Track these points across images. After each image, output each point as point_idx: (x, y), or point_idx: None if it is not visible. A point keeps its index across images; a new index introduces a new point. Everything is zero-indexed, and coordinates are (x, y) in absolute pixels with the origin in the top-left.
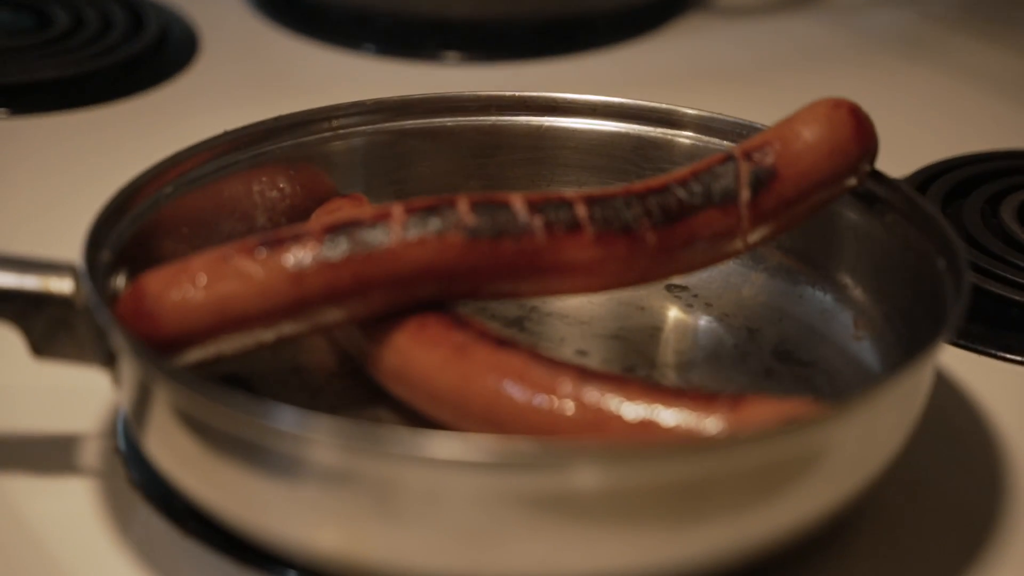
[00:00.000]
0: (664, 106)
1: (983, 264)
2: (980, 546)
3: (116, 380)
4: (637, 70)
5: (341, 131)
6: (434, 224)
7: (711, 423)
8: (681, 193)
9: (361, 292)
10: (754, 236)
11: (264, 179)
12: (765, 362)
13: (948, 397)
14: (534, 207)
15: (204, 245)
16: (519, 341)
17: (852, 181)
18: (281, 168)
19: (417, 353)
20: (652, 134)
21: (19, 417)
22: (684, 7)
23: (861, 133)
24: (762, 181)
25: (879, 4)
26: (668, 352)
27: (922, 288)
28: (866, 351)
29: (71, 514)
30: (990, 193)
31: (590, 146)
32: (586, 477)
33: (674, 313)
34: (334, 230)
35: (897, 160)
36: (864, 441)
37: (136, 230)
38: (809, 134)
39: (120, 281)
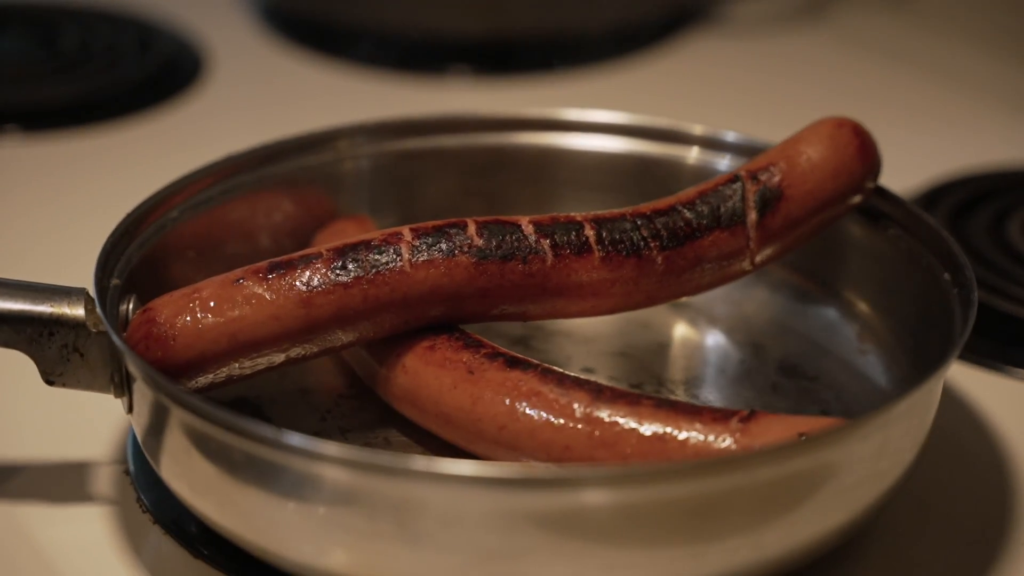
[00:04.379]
0: (669, 123)
1: (990, 280)
2: (989, 559)
3: (129, 406)
4: (644, 85)
5: (345, 152)
6: (443, 246)
7: (724, 440)
8: (688, 215)
9: (371, 313)
10: (761, 257)
11: (268, 201)
12: (771, 377)
13: (955, 412)
14: (542, 229)
15: (211, 269)
16: (529, 360)
17: (857, 199)
18: (284, 190)
19: (427, 374)
20: (657, 152)
21: (31, 444)
22: (689, 23)
23: (864, 151)
24: (768, 202)
25: (883, 20)
26: (675, 369)
27: (927, 301)
28: (871, 365)
29: (84, 539)
30: (997, 209)
31: (595, 165)
32: (601, 497)
33: (679, 330)
34: (343, 252)
35: (903, 174)
36: (876, 457)
37: (144, 255)
38: (814, 153)
39: (130, 306)
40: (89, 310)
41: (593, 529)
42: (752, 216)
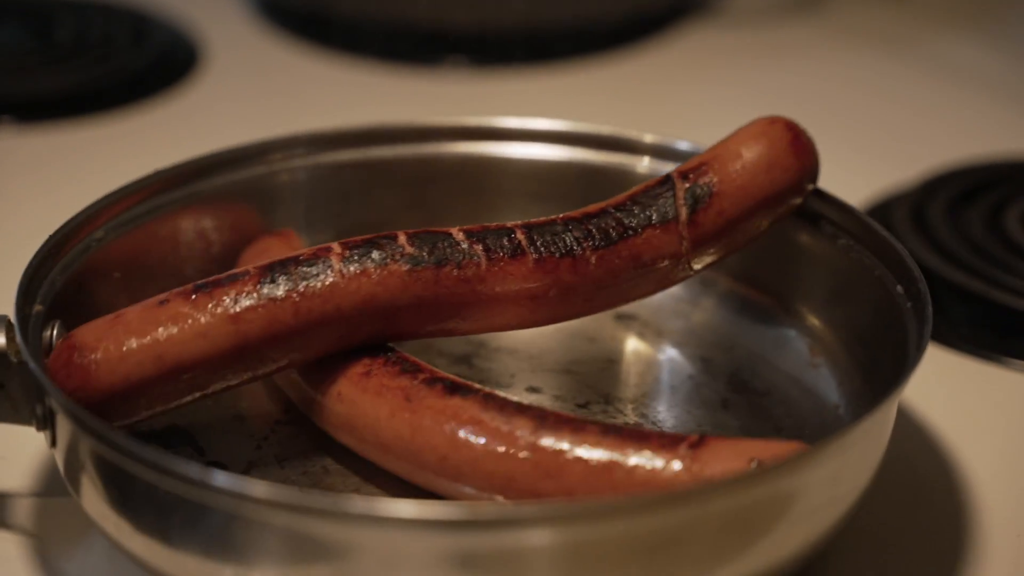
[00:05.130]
0: (615, 131)
1: (987, 271)
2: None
3: (52, 440)
4: (640, 76)
5: (279, 165)
6: (375, 255)
7: (673, 468)
8: (619, 215)
9: (303, 328)
10: (698, 258)
11: (196, 219)
12: (721, 392)
13: (950, 405)
14: (473, 235)
15: (139, 291)
16: (471, 385)
17: (795, 200)
18: (214, 207)
19: (363, 403)
20: (604, 161)
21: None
22: (686, 15)
23: (799, 148)
24: (700, 199)
25: (879, 11)
26: (624, 386)
27: (881, 315)
28: (823, 379)
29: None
30: (994, 200)
31: (535, 174)
32: (547, 537)
33: (627, 344)
34: (271, 268)
35: (900, 165)
36: (832, 483)
37: (68, 278)
38: (745, 151)
39: (54, 332)
40: (10, 338)
41: (541, 569)
42: (684, 213)
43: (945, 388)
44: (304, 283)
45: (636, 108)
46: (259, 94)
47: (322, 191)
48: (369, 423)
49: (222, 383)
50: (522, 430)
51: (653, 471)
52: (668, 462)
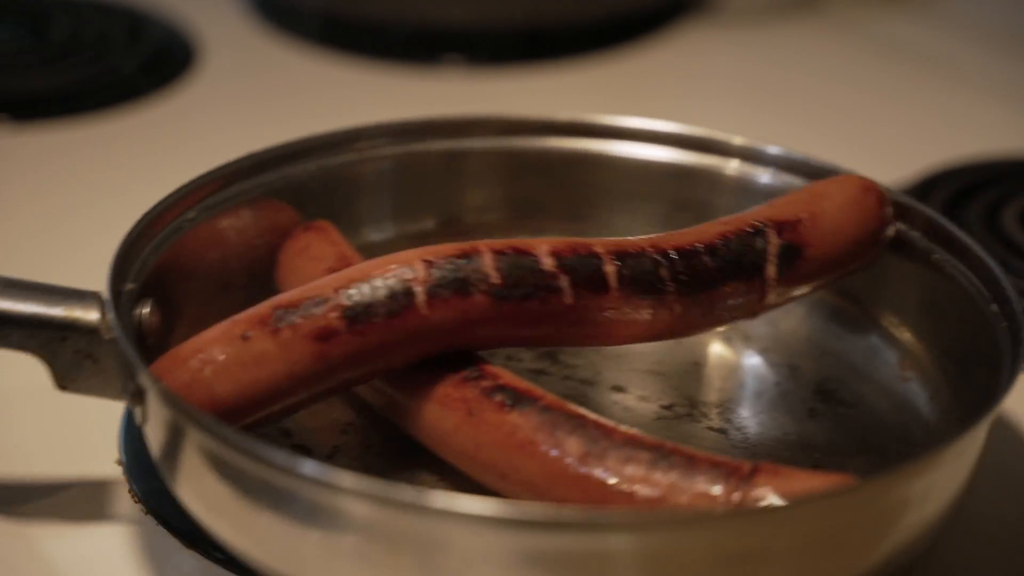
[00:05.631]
0: (708, 133)
1: None
2: None
3: (142, 417)
4: (637, 75)
5: (366, 153)
6: (459, 285)
7: (723, 499)
8: (709, 261)
9: (386, 354)
10: (769, 305)
11: (277, 206)
12: (807, 401)
13: None
14: (562, 263)
15: (227, 273)
16: (531, 393)
17: (870, 260)
18: (295, 194)
19: (431, 413)
20: (694, 162)
21: (24, 456)
22: (682, 14)
23: (883, 220)
24: (789, 259)
25: (877, 10)
26: (709, 390)
27: (973, 332)
28: (913, 393)
29: (75, 530)
30: (991, 198)
31: (621, 171)
32: (624, 543)
33: (714, 348)
34: (353, 298)
35: (897, 164)
36: (918, 503)
37: (159, 258)
38: (839, 215)
39: (145, 311)
40: (103, 314)
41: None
42: (771, 270)
43: None
44: (388, 314)
45: (633, 106)
46: (255, 93)
47: (411, 180)
48: (438, 434)
49: (307, 401)
50: (572, 456)
51: (708, 497)
52: (717, 496)
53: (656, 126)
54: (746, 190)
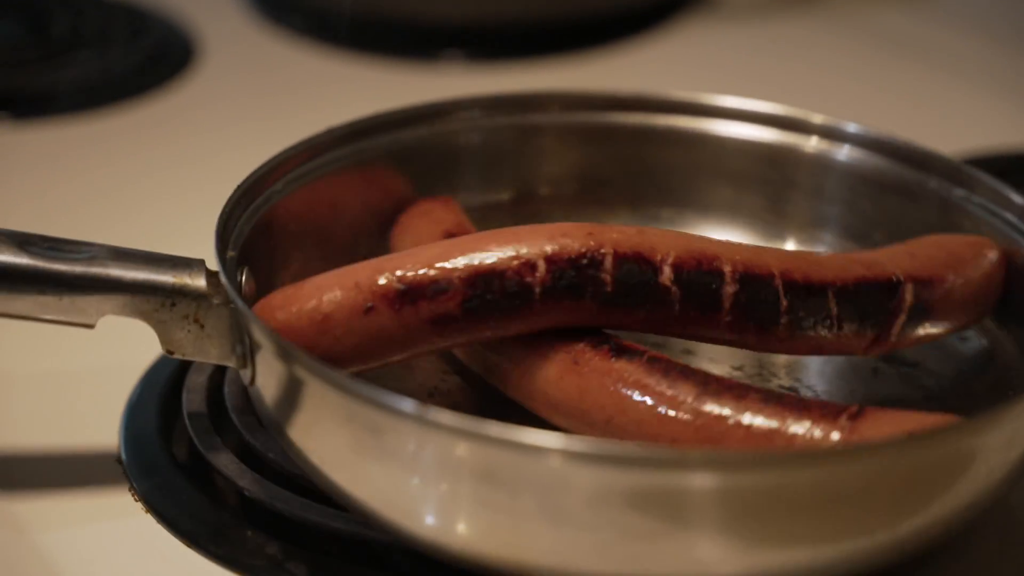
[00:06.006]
0: (789, 111)
1: None
2: None
3: (251, 378)
4: (637, 70)
5: (457, 125)
6: (576, 287)
7: (833, 436)
8: (834, 305)
9: (493, 334)
10: (877, 352)
11: (366, 176)
12: (871, 362)
13: None
14: (682, 279)
15: (313, 244)
16: (635, 347)
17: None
18: (380, 166)
19: (532, 365)
20: (771, 139)
21: (21, 433)
22: (683, 8)
23: (1001, 282)
24: (916, 317)
25: (878, 4)
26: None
27: None
28: (974, 352)
29: (75, 527)
30: None
31: (705, 148)
32: (746, 481)
33: None
34: (474, 284)
35: None
36: (994, 454)
37: (252, 227)
38: (970, 284)
39: (243, 278)
40: (211, 281)
41: (734, 512)
42: (897, 327)
43: None
44: (505, 306)
45: None
46: (255, 89)
47: (503, 152)
48: (539, 385)
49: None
50: (686, 395)
51: (812, 440)
52: (828, 432)
53: (734, 103)
54: (824, 168)
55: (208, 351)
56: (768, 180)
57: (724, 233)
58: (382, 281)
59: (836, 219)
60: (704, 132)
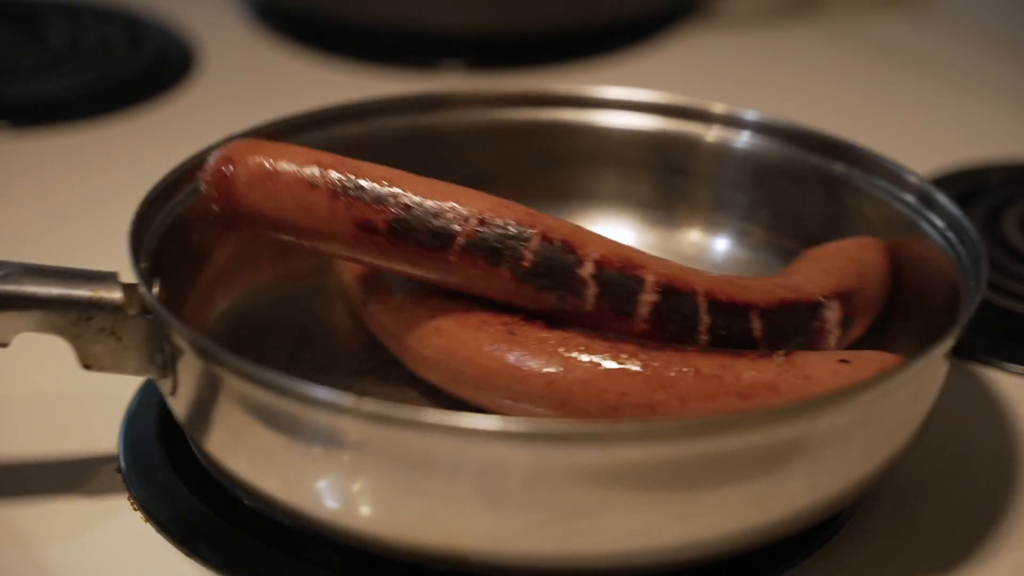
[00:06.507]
0: (689, 100)
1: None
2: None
3: (172, 387)
4: (637, 80)
5: (357, 128)
6: (493, 253)
7: (773, 370)
8: (759, 326)
9: (405, 268)
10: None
11: None
12: None
13: (952, 409)
14: (602, 279)
15: (219, 250)
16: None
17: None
18: None
19: (464, 336)
20: (676, 128)
21: (20, 442)
22: (683, 19)
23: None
24: (845, 329)
25: (876, 15)
26: None
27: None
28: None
29: (74, 536)
30: (992, 203)
31: (602, 140)
32: (677, 450)
33: None
34: (407, 212)
35: None
36: (912, 402)
37: (159, 239)
38: (878, 294)
39: (155, 290)
40: (127, 293)
41: (666, 480)
42: (832, 341)
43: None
44: (426, 241)
45: None
46: (254, 97)
47: (389, 153)
48: (471, 355)
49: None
50: (631, 349)
51: (758, 371)
52: (767, 368)
53: (634, 95)
54: (724, 155)
55: (125, 364)
56: (658, 168)
57: (616, 220)
58: (335, 175)
59: (735, 204)
60: (591, 124)
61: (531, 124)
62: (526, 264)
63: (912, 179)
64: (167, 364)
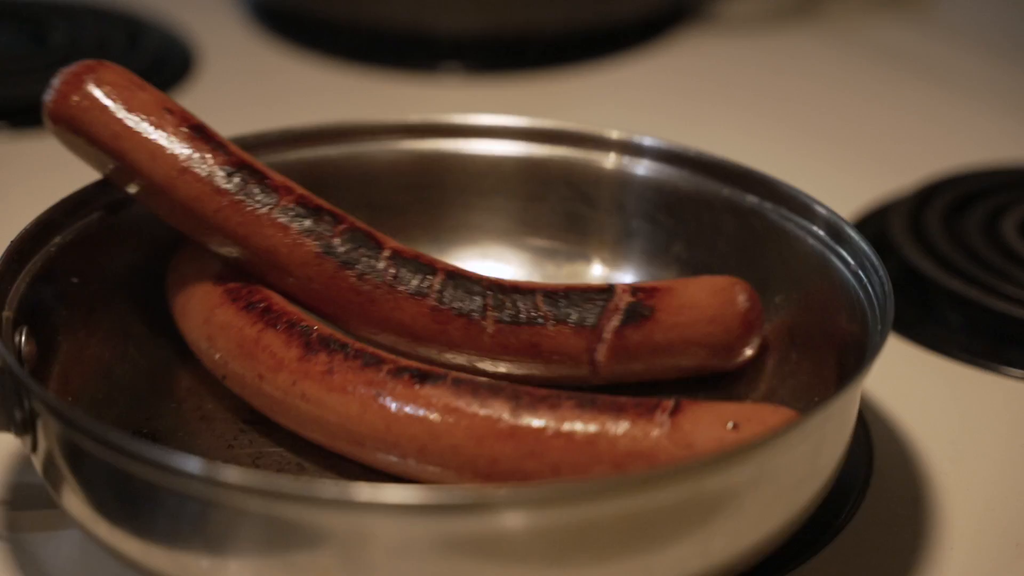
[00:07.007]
0: (582, 128)
1: (984, 279)
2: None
3: (32, 445)
4: (635, 82)
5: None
6: (305, 223)
7: (654, 434)
8: (542, 302)
9: (231, 231)
10: (608, 368)
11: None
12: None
13: (948, 412)
14: (396, 260)
15: (95, 294)
16: (436, 370)
17: (727, 360)
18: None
19: (331, 401)
20: (572, 156)
21: None
22: (681, 21)
23: (748, 314)
24: (634, 318)
25: (876, 18)
26: None
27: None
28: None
29: None
30: (991, 207)
31: (491, 170)
32: (544, 518)
33: None
34: (240, 168)
35: (897, 172)
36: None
37: (29, 284)
38: (699, 295)
39: (22, 339)
40: None
41: (538, 550)
42: (612, 324)
43: (940, 397)
44: (256, 194)
45: (632, 115)
46: (253, 99)
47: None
48: (340, 421)
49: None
50: (500, 411)
51: (635, 439)
52: (648, 431)
53: (528, 123)
54: (623, 181)
55: None
56: (549, 196)
57: (519, 252)
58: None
59: (637, 232)
60: (498, 154)
61: (433, 155)
62: (335, 239)
63: (822, 211)
64: (26, 421)
